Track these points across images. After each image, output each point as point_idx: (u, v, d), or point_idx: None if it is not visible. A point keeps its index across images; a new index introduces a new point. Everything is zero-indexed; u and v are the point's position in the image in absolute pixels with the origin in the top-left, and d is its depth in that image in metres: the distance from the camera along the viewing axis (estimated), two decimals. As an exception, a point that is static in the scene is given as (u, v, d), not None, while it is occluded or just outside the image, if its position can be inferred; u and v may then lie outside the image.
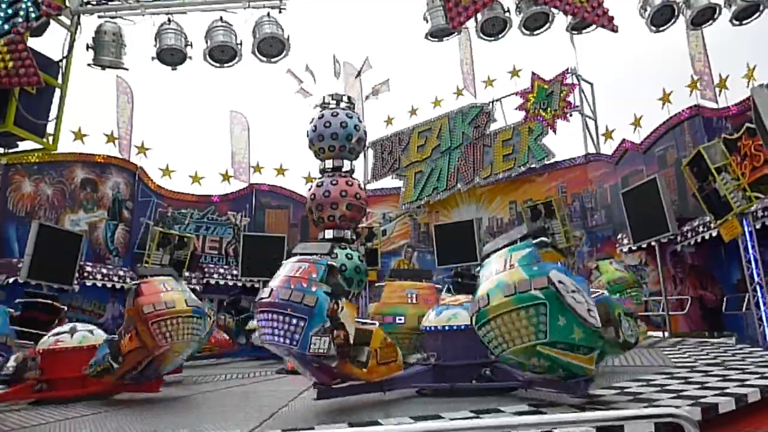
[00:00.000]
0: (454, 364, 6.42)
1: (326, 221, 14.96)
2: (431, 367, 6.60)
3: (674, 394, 5.35)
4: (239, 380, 9.29)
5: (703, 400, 4.90)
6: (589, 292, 5.08)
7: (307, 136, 15.35)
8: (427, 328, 6.84)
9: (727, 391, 5.31)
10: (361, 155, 18.54)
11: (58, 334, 7.57)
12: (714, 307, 14.10)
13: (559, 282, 4.82)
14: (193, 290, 7.64)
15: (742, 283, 12.68)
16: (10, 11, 7.04)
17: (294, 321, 5.28)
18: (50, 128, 8.19)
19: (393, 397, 6.28)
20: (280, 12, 8.74)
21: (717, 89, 15.61)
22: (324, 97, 15.53)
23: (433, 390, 6.53)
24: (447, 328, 6.58)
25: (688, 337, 12.90)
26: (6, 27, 6.96)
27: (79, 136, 18.35)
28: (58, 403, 6.97)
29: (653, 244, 14.54)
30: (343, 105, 15.54)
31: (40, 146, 8.15)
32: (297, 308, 5.28)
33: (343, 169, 15.53)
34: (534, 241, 5.26)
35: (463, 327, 6.33)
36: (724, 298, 13.72)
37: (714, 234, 12.93)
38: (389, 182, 22.20)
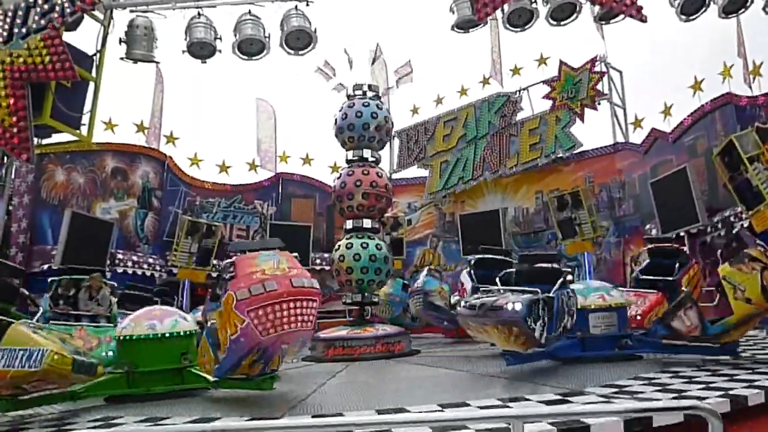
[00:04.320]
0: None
1: (346, 211, 15.12)
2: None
3: (703, 386, 5.34)
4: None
5: (731, 392, 4.88)
6: None
7: (335, 124, 15.46)
8: None
9: (757, 383, 5.28)
10: (387, 145, 18.59)
11: None
12: (744, 299, 13.88)
13: None
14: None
15: (774, 276, 12.49)
16: (46, 6, 7.24)
17: None
18: (84, 120, 8.44)
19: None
20: (307, 5, 8.83)
21: (751, 76, 15.27)
22: (353, 87, 15.59)
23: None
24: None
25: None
26: (42, 22, 7.17)
27: (110, 126, 18.71)
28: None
29: (682, 234, 14.36)
30: (370, 95, 15.60)
31: (76, 138, 8.39)
32: None
33: (370, 159, 15.61)
34: None
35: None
36: (755, 290, 13.49)
37: (745, 225, 12.73)
38: (415, 172, 22.19)
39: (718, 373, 6.20)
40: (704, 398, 4.72)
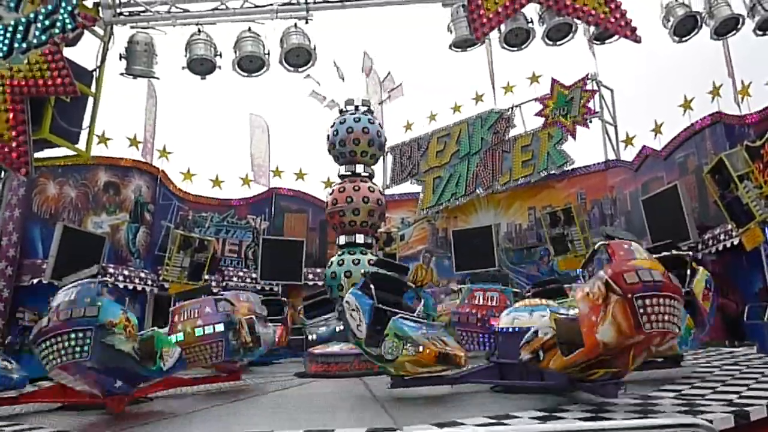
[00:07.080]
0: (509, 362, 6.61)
1: (347, 226, 15.11)
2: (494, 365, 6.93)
3: (687, 404, 5.36)
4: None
5: (722, 410, 4.88)
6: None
7: (328, 140, 15.55)
8: (499, 329, 7.17)
9: (750, 401, 5.28)
10: (380, 160, 18.67)
11: None
12: (735, 315, 14.02)
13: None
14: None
15: (764, 292, 12.64)
16: (47, 22, 7.27)
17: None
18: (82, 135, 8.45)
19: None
20: (307, 22, 8.91)
21: (739, 96, 15.52)
22: (344, 102, 15.71)
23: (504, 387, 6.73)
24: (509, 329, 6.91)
25: (707, 346, 12.83)
26: (43, 38, 7.19)
27: (102, 140, 18.64)
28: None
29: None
30: (362, 110, 15.72)
31: (71, 152, 8.37)
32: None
33: (363, 174, 15.68)
34: None
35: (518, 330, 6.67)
36: (746, 307, 13.64)
37: (736, 242, 12.88)
38: (408, 187, 22.28)
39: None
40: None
